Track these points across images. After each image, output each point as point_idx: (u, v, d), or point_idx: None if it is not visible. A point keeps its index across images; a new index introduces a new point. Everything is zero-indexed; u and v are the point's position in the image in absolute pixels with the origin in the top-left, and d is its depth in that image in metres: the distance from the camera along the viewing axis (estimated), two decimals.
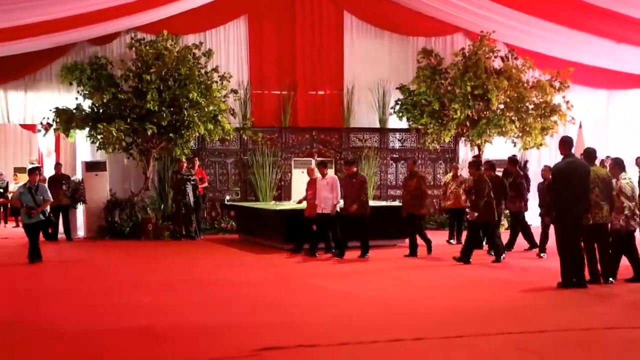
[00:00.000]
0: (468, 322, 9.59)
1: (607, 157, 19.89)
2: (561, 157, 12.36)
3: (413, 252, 16.21)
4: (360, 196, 16.01)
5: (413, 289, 12.40)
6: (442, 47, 24.45)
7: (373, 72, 23.85)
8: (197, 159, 20.81)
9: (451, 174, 19.61)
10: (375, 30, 24.54)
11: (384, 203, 19.99)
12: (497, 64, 22.57)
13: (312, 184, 16.62)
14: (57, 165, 20.77)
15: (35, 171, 15.84)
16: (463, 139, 23.31)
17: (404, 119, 23.41)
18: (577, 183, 11.93)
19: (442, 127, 22.42)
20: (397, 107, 23.29)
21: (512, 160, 17.83)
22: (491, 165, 16.35)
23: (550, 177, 13.45)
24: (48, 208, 15.76)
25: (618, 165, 12.92)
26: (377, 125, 24.00)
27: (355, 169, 16.57)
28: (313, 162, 18.18)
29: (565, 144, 12.31)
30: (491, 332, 9.05)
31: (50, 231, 19.03)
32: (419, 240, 16.38)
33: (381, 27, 24.53)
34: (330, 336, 8.81)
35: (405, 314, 10.23)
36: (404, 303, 11.07)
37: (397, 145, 24.02)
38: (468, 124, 22.48)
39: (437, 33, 24.68)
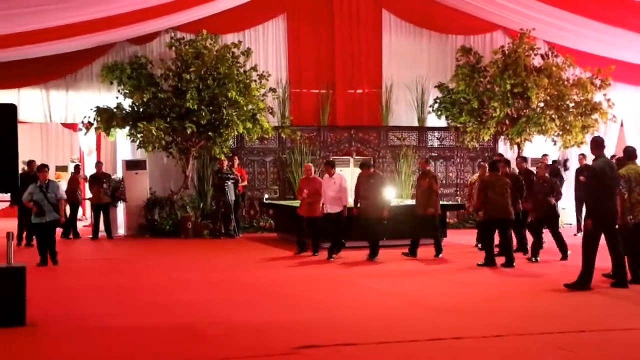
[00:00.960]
0: (508, 322, 9.53)
1: None
2: (593, 157, 12.21)
3: (438, 251, 16.00)
4: (377, 196, 15.44)
5: (451, 289, 12.33)
6: (481, 45, 24.34)
7: (411, 70, 23.81)
8: (236, 157, 20.89)
9: (478, 173, 18.68)
10: (413, 29, 24.48)
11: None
12: (537, 61, 22.43)
13: (307, 182, 16.34)
14: (98, 164, 20.96)
15: (43, 168, 15.14)
16: (502, 137, 23.16)
17: (443, 117, 23.31)
18: (612, 184, 11.80)
19: (481, 125, 22.30)
20: (436, 105, 23.20)
21: (523, 159, 17.71)
22: (506, 161, 16.22)
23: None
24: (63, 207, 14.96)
25: None
26: (416, 124, 23.94)
27: (372, 170, 16.09)
28: (311, 165, 17.57)
29: (598, 144, 12.10)
30: (531, 331, 8.98)
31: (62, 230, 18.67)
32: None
33: (420, 25, 24.47)
34: (369, 335, 8.80)
35: (445, 313, 10.18)
36: (442, 302, 11.01)
37: (436, 143, 23.94)
38: (507, 122, 22.35)
39: (476, 31, 24.57)
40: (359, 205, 15.66)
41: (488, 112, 22.23)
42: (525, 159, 18.06)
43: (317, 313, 10.21)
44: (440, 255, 15.82)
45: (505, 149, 23.53)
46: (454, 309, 10.48)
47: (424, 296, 11.54)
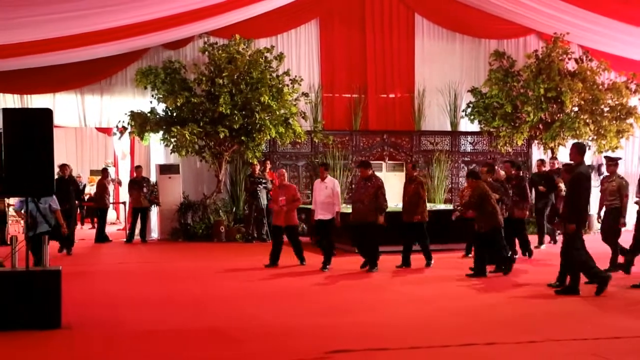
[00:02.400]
0: (540, 328, 9.47)
1: None
2: (574, 162, 12.13)
3: (428, 258, 15.24)
4: (373, 202, 14.48)
5: (476, 294, 12.24)
6: (515, 49, 24.22)
7: (444, 74, 23.79)
8: (269, 161, 20.94)
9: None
10: (446, 33, 24.45)
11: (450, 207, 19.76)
12: (571, 65, 22.29)
13: (282, 190, 15.31)
14: (138, 168, 21.09)
15: None
16: (536, 142, 23.02)
17: (476, 121, 23.22)
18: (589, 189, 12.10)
19: (515, 130, 22.18)
20: (469, 109, 23.13)
21: (511, 163, 16.84)
22: (490, 168, 15.71)
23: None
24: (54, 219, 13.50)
25: None
26: (448, 128, 23.91)
27: (370, 172, 15.02)
28: (284, 170, 16.81)
29: (582, 150, 12.13)
30: (565, 337, 8.92)
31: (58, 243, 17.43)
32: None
33: (452, 29, 24.42)
34: (400, 340, 8.79)
35: (474, 319, 10.14)
36: (470, 308, 10.96)
37: (469, 148, 23.86)
38: (541, 126, 22.22)
39: (510, 35, 24.47)
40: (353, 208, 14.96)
41: (521, 117, 22.12)
42: (513, 164, 17.00)
43: (346, 317, 10.21)
44: (432, 264, 15.13)
45: (539, 153, 23.37)
46: (483, 314, 10.43)
47: (451, 302, 11.46)
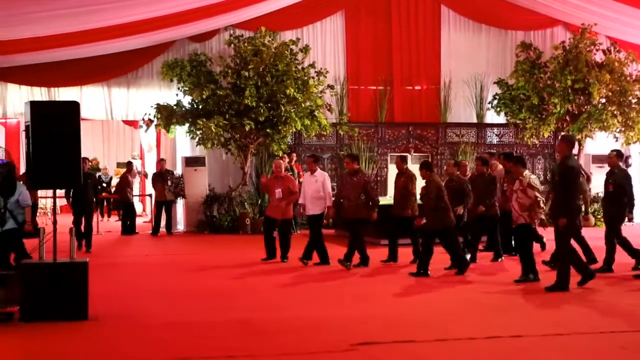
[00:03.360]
0: (565, 320, 9.43)
1: None
2: (562, 155, 11.77)
3: (392, 256, 14.65)
4: (359, 197, 13.90)
5: (508, 288, 12.20)
6: (542, 41, 24.06)
7: (470, 66, 23.67)
8: (294, 154, 20.93)
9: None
10: (472, 24, 24.33)
11: None
12: (598, 57, 22.11)
13: (278, 182, 14.70)
14: (161, 161, 21.17)
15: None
16: (563, 134, 22.87)
17: (502, 113, 23.11)
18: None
19: (541, 121, 22.05)
20: (495, 101, 23.01)
21: (483, 160, 15.42)
22: (457, 163, 15.38)
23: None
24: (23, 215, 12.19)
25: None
26: (474, 120, 23.81)
27: (357, 166, 14.48)
28: (281, 161, 15.93)
29: (571, 142, 12.09)
30: (592, 330, 8.88)
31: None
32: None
33: (479, 21, 24.30)
34: (426, 332, 8.79)
35: (499, 312, 10.10)
36: (499, 300, 10.92)
37: (495, 140, 23.75)
38: (568, 118, 22.07)
39: (536, 26, 24.31)
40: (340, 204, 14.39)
41: (548, 109, 21.98)
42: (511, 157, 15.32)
43: (373, 310, 10.21)
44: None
45: None
46: (506, 307, 10.39)
47: (476, 294, 11.42)
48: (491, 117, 23.80)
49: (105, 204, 26.08)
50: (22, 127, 11.69)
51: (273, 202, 14.81)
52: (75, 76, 20.94)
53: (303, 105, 20.29)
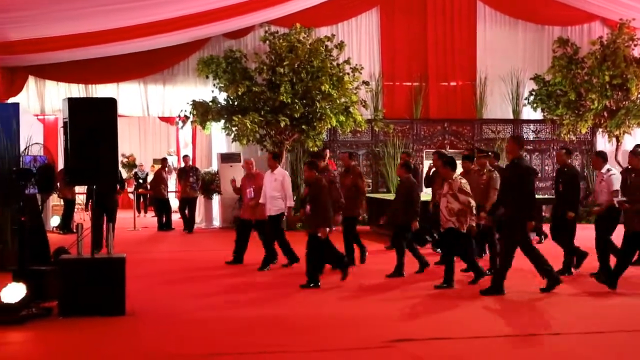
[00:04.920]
0: (607, 318, 9.35)
1: None
2: (513, 157, 11.17)
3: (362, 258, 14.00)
4: (338, 199, 12.95)
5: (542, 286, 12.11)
6: (579, 36, 23.85)
7: (506, 62, 23.52)
8: (328, 150, 20.83)
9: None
10: (509, 20, 24.17)
11: None
12: (636, 52, 21.88)
13: (250, 180, 14.06)
14: (185, 157, 21.22)
15: None
16: (600, 130, 22.66)
17: (539, 109, 22.96)
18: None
19: (579, 118, 21.85)
20: (532, 97, 22.86)
21: (440, 154, 14.04)
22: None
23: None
24: None
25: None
26: (511, 117, 23.65)
27: (323, 164, 13.34)
28: (252, 159, 15.07)
29: (521, 142, 11.65)
30: (633, 328, 8.80)
31: None
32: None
33: (515, 16, 24.13)
34: (463, 329, 8.76)
35: (540, 310, 10.05)
36: (536, 299, 10.84)
37: (532, 136, 23.57)
38: (606, 114, 21.86)
39: (573, 22, 24.08)
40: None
41: (586, 104, 21.79)
42: (496, 155, 15.22)
43: (409, 307, 10.19)
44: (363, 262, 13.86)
45: (603, 141, 23.01)
46: (544, 305, 10.33)
47: (516, 293, 11.33)
48: (527, 113, 23.64)
49: (141, 200, 26.25)
50: (60, 124, 11.80)
51: (245, 203, 14.22)
52: (112, 73, 21.12)
53: (338, 101, 20.28)
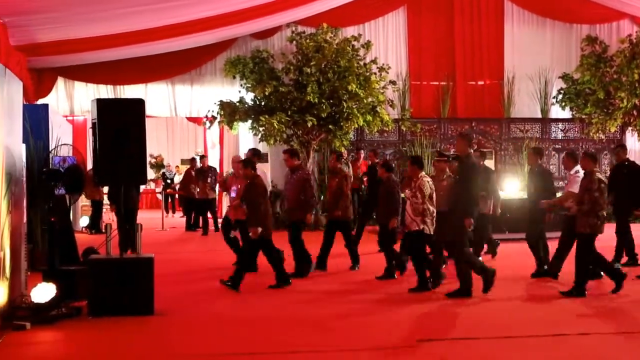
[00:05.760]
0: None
1: None
2: (462, 155, 11.00)
3: (354, 261, 13.49)
4: (298, 197, 12.58)
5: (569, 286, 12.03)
6: (607, 34, 23.69)
7: (534, 61, 23.42)
8: (362, 151, 20.67)
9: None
10: (536, 19, 24.09)
11: None
12: None
13: (235, 180, 13.56)
14: (202, 158, 21.25)
15: None
16: (630, 128, 22.48)
17: (567, 108, 22.83)
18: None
19: (608, 116, 21.70)
20: (560, 96, 22.73)
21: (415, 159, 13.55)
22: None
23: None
24: None
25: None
26: (539, 116, 23.53)
27: (297, 162, 12.90)
28: (239, 156, 14.76)
29: (470, 140, 11.26)
30: None
31: None
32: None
33: (543, 15, 24.03)
34: (492, 329, 8.72)
35: (567, 311, 9.97)
36: (565, 299, 10.77)
37: (560, 135, 23.45)
38: (635, 112, 21.67)
39: (602, 20, 23.93)
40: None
41: (615, 103, 21.63)
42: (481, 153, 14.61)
43: (437, 307, 10.16)
44: (357, 268, 13.37)
45: (633, 140, 22.83)
46: (572, 306, 10.25)
47: (540, 291, 11.28)
48: (556, 112, 23.51)
49: (169, 200, 26.36)
50: (89, 125, 11.90)
51: (230, 202, 13.81)
52: (140, 74, 21.28)
53: (365, 101, 20.27)
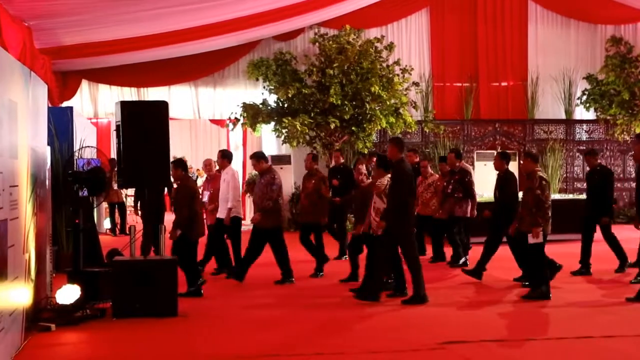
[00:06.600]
0: None
1: None
2: (393, 160, 10.69)
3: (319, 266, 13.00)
4: (263, 201, 12.02)
5: (596, 287, 11.95)
6: (632, 35, 23.59)
7: (558, 61, 23.35)
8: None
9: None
10: (561, 19, 23.99)
11: (570, 196, 19.34)
12: None
13: (208, 182, 13.22)
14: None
15: None
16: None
17: (592, 109, 22.71)
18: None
19: (633, 117, 21.59)
20: (584, 97, 22.61)
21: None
22: (312, 166, 13.57)
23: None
24: None
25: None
26: (563, 117, 23.42)
27: (265, 166, 12.26)
28: (211, 159, 13.79)
29: (401, 144, 10.85)
30: None
31: None
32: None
33: (567, 15, 23.94)
34: (515, 332, 8.70)
35: (593, 313, 9.92)
36: (588, 302, 10.71)
37: (584, 136, 23.32)
38: None
39: (627, 20, 23.80)
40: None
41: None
42: (458, 154, 14.46)
43: (460, 309, 10.13)
44: (321, 275, 12.87)
45: None
46: (594, 307, 10.19)
47: (563, 294, 11.17)
48: (580, 113, 23.38)
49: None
50: (113, 127, 11.95)
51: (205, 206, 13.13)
52: (164, 76, 21.38)
53: (388, 102, 20.25)
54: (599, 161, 13.53)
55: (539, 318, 9.56)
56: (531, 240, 10.59)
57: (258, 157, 12.31)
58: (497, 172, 12.43)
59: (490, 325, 9.05)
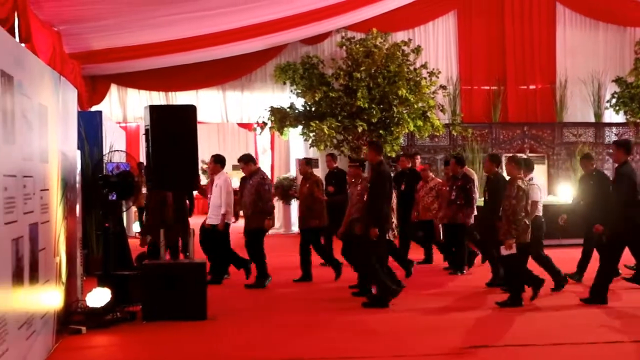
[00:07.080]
0: None
1: None
2: (374, 163, 10.68)
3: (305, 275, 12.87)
4: (256, 203, 12.04)
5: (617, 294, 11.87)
6: None
7: (587, 64, 23.21)
8: (419, 156, 20.48)
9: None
10: (589, 22, 23.84)
11: None
12: None
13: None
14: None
15: None
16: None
17: (621, 112, 22.55)
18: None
19: None
20: (614, 100, 22.47)
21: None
22: (306, 170, 13.61)
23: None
24: None
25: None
26: (592, 120, 23.27)
27: (253, 167, 12.33)
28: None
29: (379, 148, 10.84)
30: None
31: None
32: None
33: (596, 17, 23.78)
34: (542, 336, 8.64)
35: (624, 317, 9.85)
36: (619, 306, 10.63)
37: (614, 140, 23.13)
38: None
39: None
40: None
41: None
42: (459, 160, 14.07)
43: (486, 313, 10.09)
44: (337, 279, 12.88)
45: None
46: (624, 312, 10.13)
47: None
48: (610, 116, 23.23)
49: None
50: (142, 131, 12.02)
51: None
52: (192, 80, 21.49)
53: (415, 106, 20.21)
54: (594, 166, 13.03)
55: (568, 322, 9.50)
56: (503, 251, 10.31)
57: (246, 160, 12.30)
58: (487, 174, 12.26)
59: (517, 330, 9.02)
